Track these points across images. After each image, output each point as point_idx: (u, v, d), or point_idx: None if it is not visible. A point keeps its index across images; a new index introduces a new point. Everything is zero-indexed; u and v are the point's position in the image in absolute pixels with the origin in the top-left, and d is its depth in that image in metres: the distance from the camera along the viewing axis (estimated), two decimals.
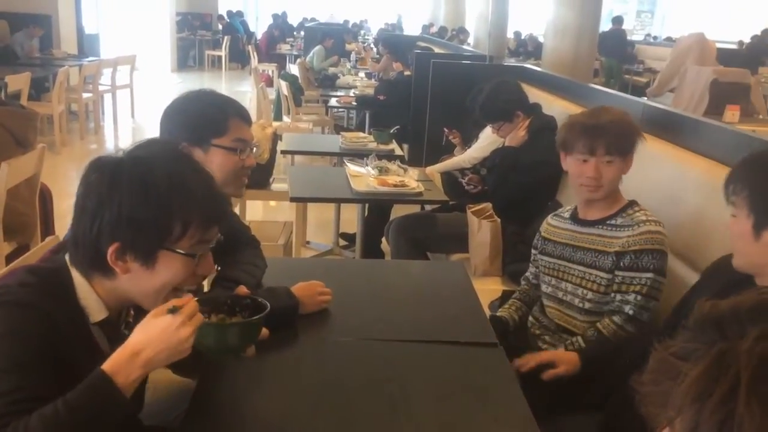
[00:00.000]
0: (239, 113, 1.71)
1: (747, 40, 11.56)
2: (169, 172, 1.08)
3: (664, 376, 0.61)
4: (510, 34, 13.02)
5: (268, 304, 1.23)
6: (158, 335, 1.02)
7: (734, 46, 11.62)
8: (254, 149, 1.75)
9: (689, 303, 1.53)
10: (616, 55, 11.32)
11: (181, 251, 1.09)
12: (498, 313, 2.10)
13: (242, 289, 1.33)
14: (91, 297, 1.12)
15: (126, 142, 7.74)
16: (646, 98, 7.25)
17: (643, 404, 0.62)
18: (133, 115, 8.86)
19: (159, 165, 1.09)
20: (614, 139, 1.84)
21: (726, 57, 8.75)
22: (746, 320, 0.60)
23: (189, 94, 1.72)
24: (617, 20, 12.49)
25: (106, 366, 1.01)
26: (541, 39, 9.21)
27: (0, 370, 1.00)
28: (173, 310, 1.04)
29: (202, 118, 1.65)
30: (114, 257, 1.07)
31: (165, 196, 1.06)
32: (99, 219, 1.06)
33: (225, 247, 1.88)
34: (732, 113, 5.42)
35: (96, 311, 1.13)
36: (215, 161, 1.65)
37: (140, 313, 1.22)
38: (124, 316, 1.21)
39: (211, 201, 1.12)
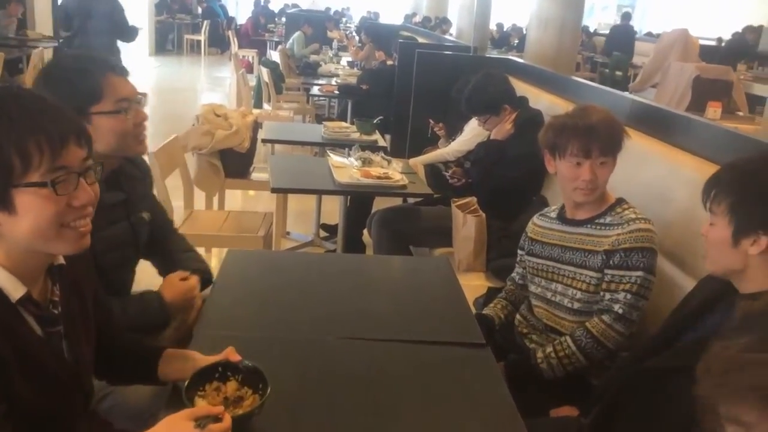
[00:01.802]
0: (111, 69, 1.56)
1: (726, 36, 11.67)
2: None
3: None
4: (492, 26, 13.00)
5: (260, 368, 1.24)
6: None
7: (713, 43, 11.72)
8: (141, 101, 1.62)
9: (681, 313, 1.51)
10: (625, 50, 11.40)
11: (35, 182, 0.99)
12: (484, 312, 2.07)
13: (232, 353, 1.28)
14: (1, 274, 1.04)
15: None
16: (629, 93, 7.28)
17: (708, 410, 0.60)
18: None
19: None
20: (607, 139, 1.81)
21: (707, 53, 8.82)
22: None
23: (53, 62, 1.57)
24: (626, 16, 12.80)
25: None
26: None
27: None
28: (203, 424, 1.03)
29: (71, 88, 1.50)
30: None
31: None
32: None
33: (153, 237, 1.82)
34: (714, 110, 5.45)
35: (12, 288, 1.04)
36: (104, 128, 1.54)
37: (64, 290, 1.16)
38: (49, 295, 1.13)
39: (44, 122, 1.01)
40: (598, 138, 1.80)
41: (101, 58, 1.59)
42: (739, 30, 11.25)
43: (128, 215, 1.75)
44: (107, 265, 1.64)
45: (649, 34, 14.04)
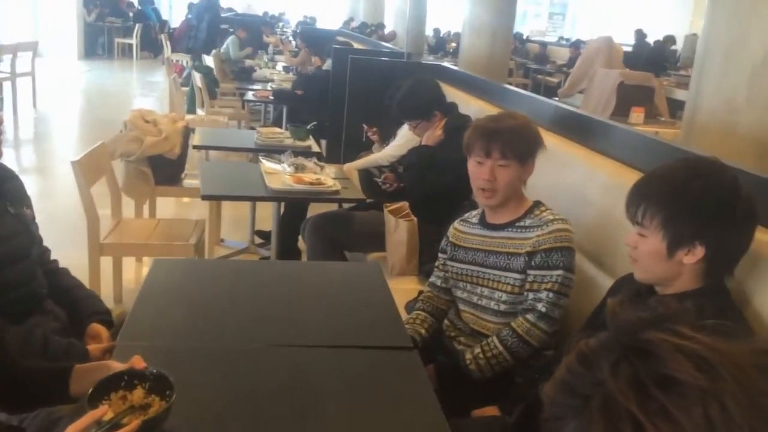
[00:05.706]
0: None
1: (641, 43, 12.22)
2: None
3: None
4: (429, 32, 13.15)
5: (166, 374, 1.21)
6: None
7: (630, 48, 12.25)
8: None
9: (600, 317, 1.56)
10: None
11: None
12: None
13: (138, 361, 1.26)
14: None
15: (27, 133, 7.29)
16: (557, 99, 7.49)
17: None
18: (35, 104, 8.35)
19: None
20: (510, 143, 1.87)
21: (630, 60, 9.17)
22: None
23: None
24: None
25: None
26: None
27: None
28: (102, 427, 1.01)
29: None
30: None
31: None
32: None
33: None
34: (637, 115, 5.68)
35: None
36: None
37: None
38: None
39: None
40: (500, 140, 1.86)
41: None
42: (653, 37, 11.80)
43: (5, 207, 1.74)
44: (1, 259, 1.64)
45: (577, 41, 14.51)
